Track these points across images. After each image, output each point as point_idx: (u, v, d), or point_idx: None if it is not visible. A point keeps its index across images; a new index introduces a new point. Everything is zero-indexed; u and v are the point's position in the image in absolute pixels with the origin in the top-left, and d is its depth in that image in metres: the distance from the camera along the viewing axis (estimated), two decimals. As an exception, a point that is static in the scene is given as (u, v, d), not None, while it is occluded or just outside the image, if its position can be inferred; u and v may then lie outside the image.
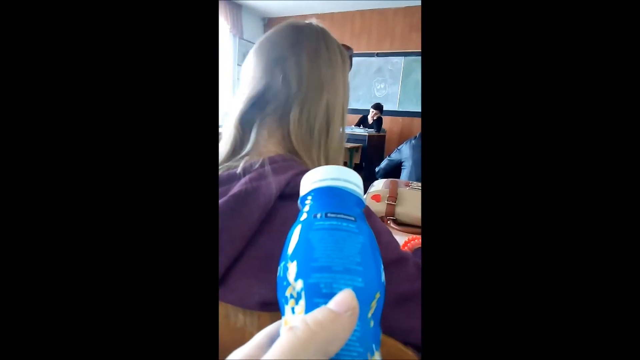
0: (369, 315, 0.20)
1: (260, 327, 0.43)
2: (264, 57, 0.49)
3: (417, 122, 4.73)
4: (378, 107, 4.24)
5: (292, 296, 0.21)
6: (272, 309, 0.40)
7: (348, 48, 0.58)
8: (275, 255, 0.30)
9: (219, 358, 0.36)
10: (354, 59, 0.65)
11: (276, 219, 0.40)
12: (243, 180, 0.42)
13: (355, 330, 0.18)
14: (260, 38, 0.52)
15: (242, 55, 5.34)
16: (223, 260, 0.39)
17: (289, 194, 0.41)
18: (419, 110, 4.68)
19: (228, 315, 0.43)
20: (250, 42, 5.42)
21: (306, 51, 0.49)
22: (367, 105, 4.44)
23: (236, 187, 0.41)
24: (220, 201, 0.41)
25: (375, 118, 4.26)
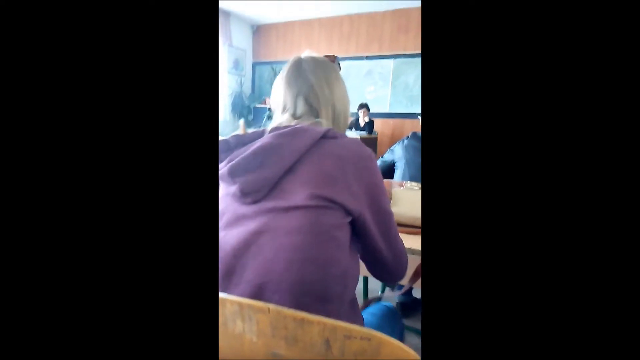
0: None
1: (258, 333, 0.43)
2: (295, 84, 0.69)
3: (408, 123, 4.76)
4: (364, 106, 4.27)
5: None
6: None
7: (333, 57, 0.77)
8: (312, 178, 0.56)
9: (219, 365, 0.35)
10: (345, 63, 0.81)
11: (318, 150, 0.58)
12: (288, 127, 0.60)
13: None
14: (285, 69, 0.71)
15: (232, 62, 5.34)
16: (277, 172, 0.56)
17: (329, 136, 0.60)
18: (409, 112, 4.70)
19: (226, 322, 0.43)
20: (239, 48, 5.43)
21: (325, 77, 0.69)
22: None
23: (282, 129, 0.59)
24: (270, 135, 0.59)
25: (366, 119, 4.28)
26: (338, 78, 0.72)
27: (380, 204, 0.61)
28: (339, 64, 0.81)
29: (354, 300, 0.61)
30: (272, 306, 0.39)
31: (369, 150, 0.62)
